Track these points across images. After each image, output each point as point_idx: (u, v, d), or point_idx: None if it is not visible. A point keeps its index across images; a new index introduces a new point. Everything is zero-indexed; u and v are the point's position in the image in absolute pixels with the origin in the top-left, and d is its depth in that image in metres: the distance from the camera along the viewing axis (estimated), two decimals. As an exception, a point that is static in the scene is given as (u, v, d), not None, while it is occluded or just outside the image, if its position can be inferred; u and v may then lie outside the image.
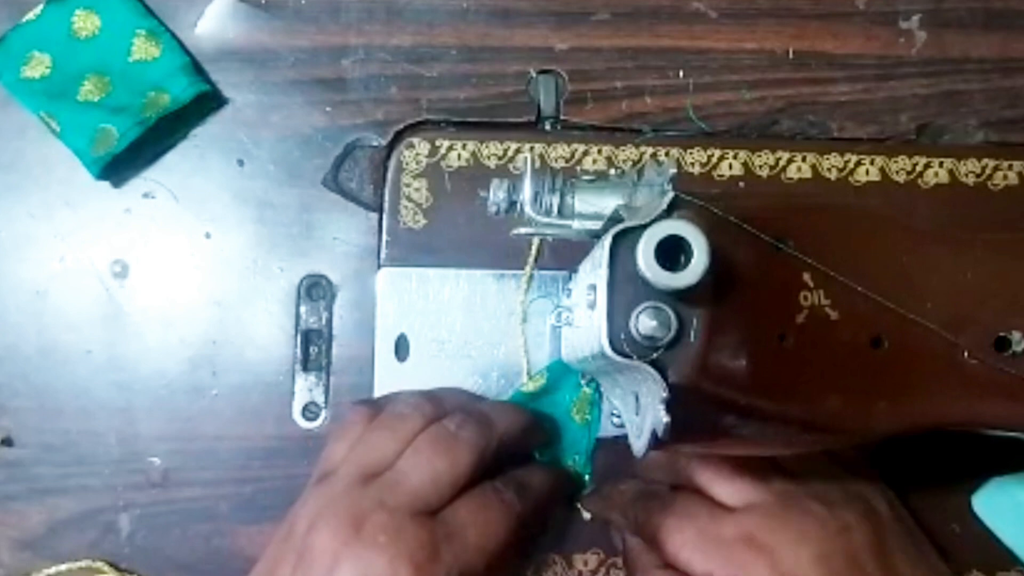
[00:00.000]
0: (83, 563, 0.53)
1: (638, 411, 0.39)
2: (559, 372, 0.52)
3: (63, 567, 0.52)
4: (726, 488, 0.47)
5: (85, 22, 0.54)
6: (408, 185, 0.54)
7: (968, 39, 0.56)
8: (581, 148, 0.55)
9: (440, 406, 0.48)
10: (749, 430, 0.39)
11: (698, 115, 0.55)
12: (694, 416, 0.37)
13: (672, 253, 0.34)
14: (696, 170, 0.55)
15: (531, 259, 0.54)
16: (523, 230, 0.45)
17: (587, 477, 0.53)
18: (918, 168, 0.55)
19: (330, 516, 0.43)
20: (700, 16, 0.56)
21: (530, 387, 0.52)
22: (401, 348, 0.54)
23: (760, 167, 0.55)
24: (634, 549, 0.50)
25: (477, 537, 0.44)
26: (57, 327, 0.54)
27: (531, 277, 0.54)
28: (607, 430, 0.53)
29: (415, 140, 0.55)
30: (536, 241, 0.54)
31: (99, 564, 0.52)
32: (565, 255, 0.53)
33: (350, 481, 0.45)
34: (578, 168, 0.54)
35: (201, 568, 0.53)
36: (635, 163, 0.55)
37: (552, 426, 0.53)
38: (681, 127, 0.55)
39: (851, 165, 0.55)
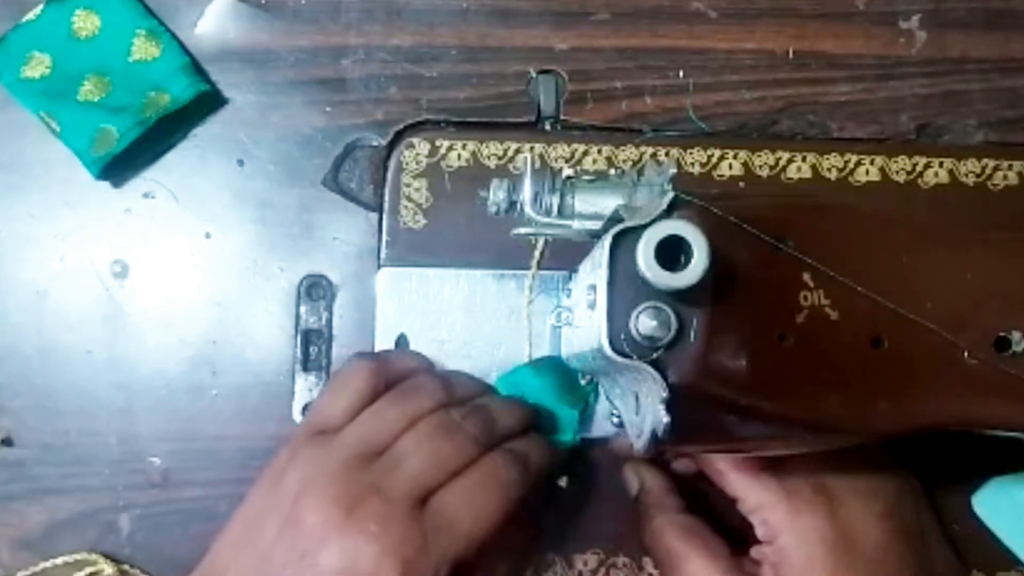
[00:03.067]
0: (78, 555, 0.52)
1: (638, 411, 0.39)
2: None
3: (59, 560, 0.52)
4: None
5: (85, 22, 0.54)
6: (408, 185, 0.54)
7: (968, 39, 0.56)
8: (581, 148, 0.55)
9: (450, 393, 0.48)
10: (749, 430, 0.39)
11: (698, 115, 0.55)
12: (694, 416, 0.37)
13: (672, 253, 0.34)
14: (696, 170, 0.55)
15: (535, 259, 0.53)
16: (523, 230, 0.45)
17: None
18: (918, 168, 0.55)
19: (322, 489, 0.43)
20: (700, 16, 0.56)
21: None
22: (401, 348, 0.54)
23: (760, 167, 0.55)
24: (653, 490, 0.50)
25: (469, 525, 0.43)
26: (57, 327, 0.54)
27: (533, 278, 0.54)
28: (607, 430, 0.52)
29: (415, 140, 0.55)
30: (541, 241, 0.53)
31: (94, 556, 0.52)
32: (565, 255, 0.53)
33: (349, 455, 0.44)
34: (578, 168, 0.54)
35: (201, 568, 0.53)
36: (635, 163, 0.55)
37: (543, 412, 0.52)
38: (681, 127, 0.55)
39: (851, 165, 0.55)
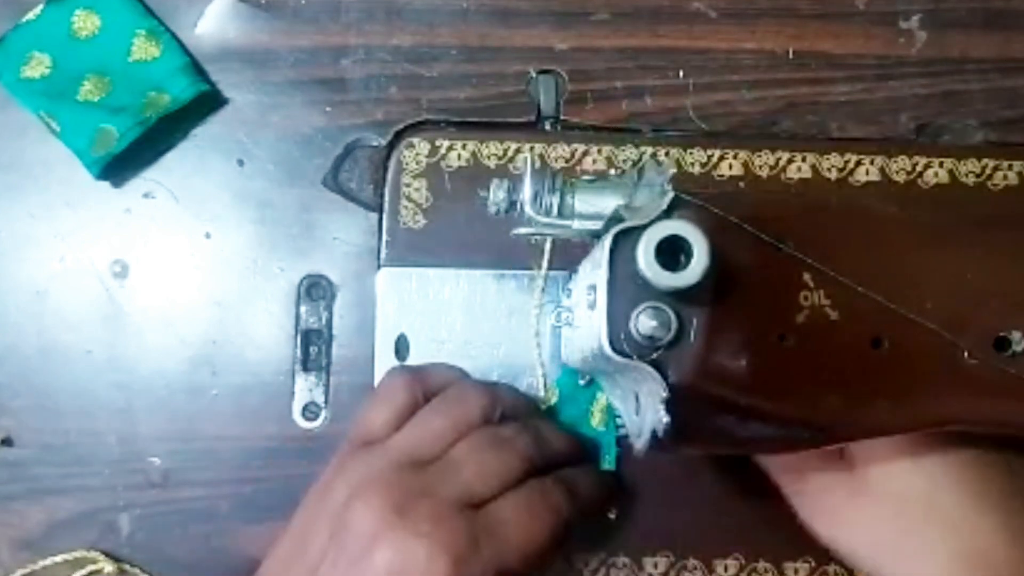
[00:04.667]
0: (78, 553, 0.52)
1: (638, 411, 0.39)
2: (570, 384, 0.52)
3: (58, 558, 0.52)
4: None
5: (85, 22, 0.54)
6: (408, 185, 0.54)
7: (968, 39, 0.56)
8: (581, 148, 0.55)
9: (496, 404, 0.48)
10: (749, 430, 0.40)
11: (698, 115, 0.55)
12: (694, 416, 0.37)
13: (672, 253, 0.34)
14: (696, 170, 0.55)
15: (545, 261, 0.53)
16: (523, 230, 0.45)
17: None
18: (918, 168, 0.55)
19: (372, 494, 0.43)
20: (700, 16, 0.56)
21: (545, 403, 0.52)
22: (401, 348, 0.54)
23: (760, 167, 0.55)
24: None
25: (519, 537, 0.43)
26: (57, 327, 0.54)
27: (545, 279, 0.54)
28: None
29: (415, 140, 0.55)
30: (549, 242, 0.53)
31: (93, 554, 0.52)
32: (565, 255, 0.53)
33: (398, 461, 0.45)
34: (578, 168, 0.54)
35: (201, 568, 0.53)
36: (635, 163, 0.55)
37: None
38: (681, 127, 0.55)
39: (851, 165, 0.55)
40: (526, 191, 0.43)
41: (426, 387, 0.49)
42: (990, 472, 0.44)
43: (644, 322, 0.35)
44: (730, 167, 0.55)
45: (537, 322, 0.53)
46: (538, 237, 0.53)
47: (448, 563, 0.41)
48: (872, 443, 0.44)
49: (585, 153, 0.55)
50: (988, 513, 0.43)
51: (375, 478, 0.44)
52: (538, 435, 0.48)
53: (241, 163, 0.55)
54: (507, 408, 0.49)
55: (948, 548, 0.42)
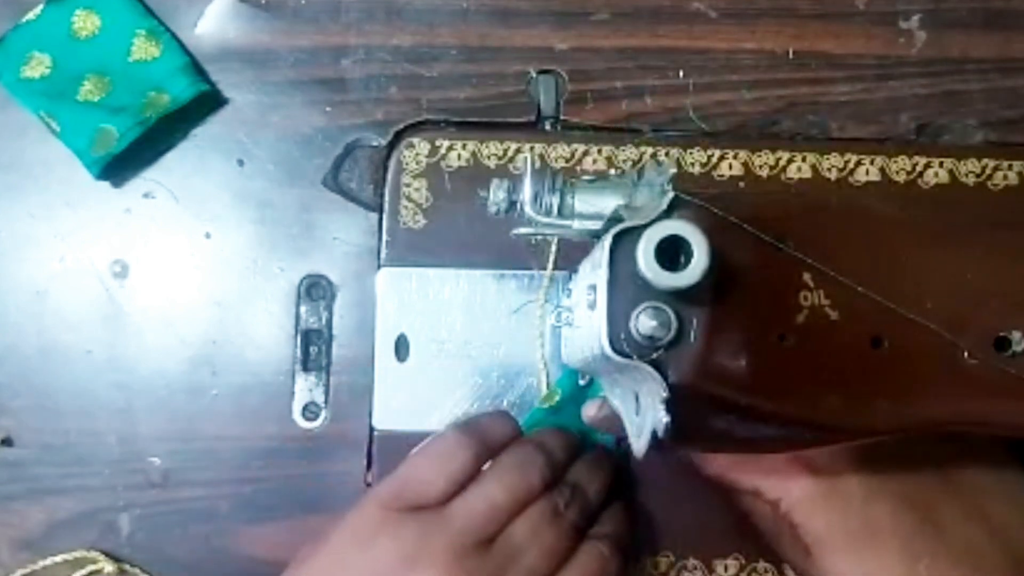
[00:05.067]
0: (78, 553, 0.52)
1: (638, 411, 0.39)
2: (572, 385, 0.52)
3: (58, 558, 0.52)
4: None
5: (85, 22, 0.54)
6: (408, 185, 0.55)
7: (968, 39, 0.56)
8: (581, 148, 0.55)
9: (555, 469, 0.48)
10: (749, 430, 0.39)
11: (698, 115, 0.55)
12: (694, 416, 0.37)
13: (672, 253, 0.34)
14: (696, 170, 0.55)
15: (550, 262, 0.53)
16: (523, 230, 0.45)
17: None
18: (918, 168, 0.55)
19: (434, 573, 0.43)
20: (700, 16, 0.56)
21: (547, 404, 0.52)
22: (401, 348, 0.54)
23: (760, 167, 0.55)
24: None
25: None
26: (57, 327, 0.54)
27: (550, 279, 0.54)
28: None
29: (415, 140, 0.55)
30: (554, 242, 0.53)
31: (93, 554, 0.52)
32: (565, 255, 0.53)
33: (459, 541, 0.44)
34: (578, 168, 0.54)
35: (201, 568, 0.53)
36: (635, 163, 0.55)
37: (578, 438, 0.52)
38: (681, 127, 0.55)
39: (851, 165, 0.55)
40: (526, 191, 0.43)
41: (489, 450, 0.48)
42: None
43: (644, 322, 0.35)
44: (730, 167, 0.55)
45: (541, 322, 0.53)
46: (539, 237, 0.53)
47: None
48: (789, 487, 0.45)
49: (585, 153, 0.55)
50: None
51: (435, 554, 0.43)
52: (584, 497, 0.48)
53: (241, 163, 0.55)
54: (559, 462, 0.48)
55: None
